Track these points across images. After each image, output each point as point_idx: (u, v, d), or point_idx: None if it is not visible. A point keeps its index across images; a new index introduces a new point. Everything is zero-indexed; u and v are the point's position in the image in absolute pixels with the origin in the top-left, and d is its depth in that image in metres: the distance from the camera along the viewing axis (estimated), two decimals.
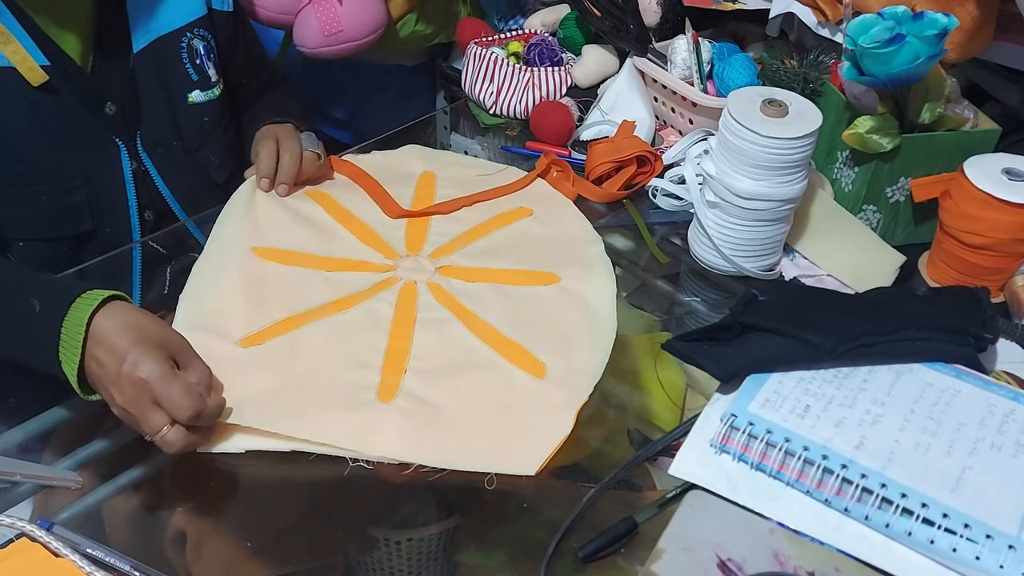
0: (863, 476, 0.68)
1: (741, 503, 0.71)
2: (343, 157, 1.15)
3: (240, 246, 0.97)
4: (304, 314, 0.90)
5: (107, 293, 0.74)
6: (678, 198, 1.09)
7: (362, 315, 0.90)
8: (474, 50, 1.30)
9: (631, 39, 1.22)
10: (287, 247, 0.98)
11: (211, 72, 1.08)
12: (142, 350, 0.71)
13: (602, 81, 1.28)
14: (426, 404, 0.80)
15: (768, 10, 1.16)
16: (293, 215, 1.03)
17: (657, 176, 1.12)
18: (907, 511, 0.66)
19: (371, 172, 1.11)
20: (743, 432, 0.73)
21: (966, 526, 0.65)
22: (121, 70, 1.01)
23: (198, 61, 1.06)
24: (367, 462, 0.76)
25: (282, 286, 0.93)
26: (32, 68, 0.91)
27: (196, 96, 1.07)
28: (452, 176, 1.12)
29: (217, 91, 1.09)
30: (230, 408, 0.77)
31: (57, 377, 0.73)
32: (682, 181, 1.08)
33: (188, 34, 1.05)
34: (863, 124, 0.96)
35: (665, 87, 1.18)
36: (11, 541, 0.66)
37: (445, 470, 0.75)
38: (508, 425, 0.79)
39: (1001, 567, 0.63)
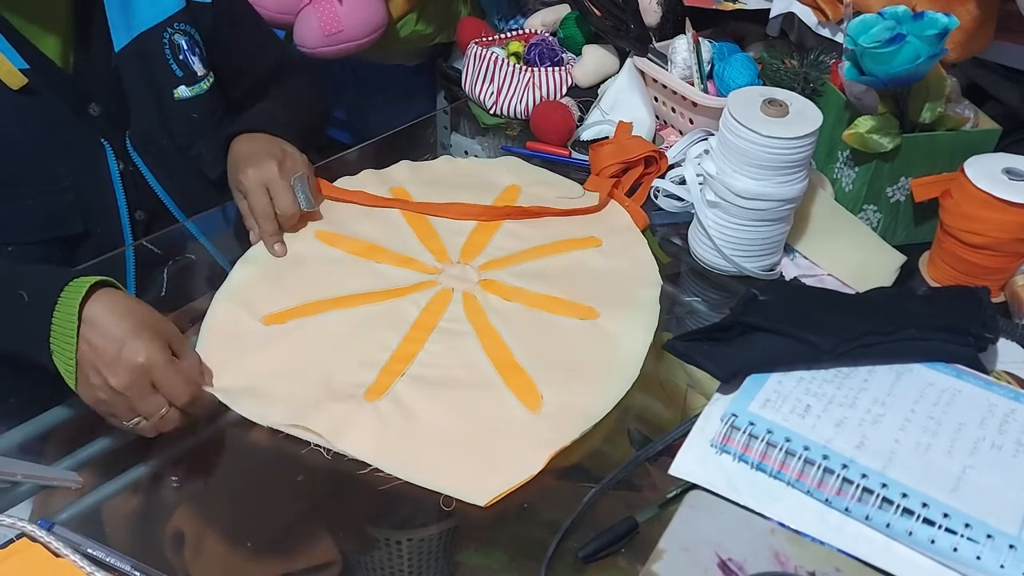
0: (864, 476, 0.68)
1: (741, 503, 0.71)
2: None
3: (305, 228, 1.02)
4: (334, 300, 0.92)
5: (95, 279, 0.75)
6: (679, 199, 1.09)
7: (387, 312, 0.91)
8: (474, 50, 1.30)
9: (631, 39, 1.22)
10: (347, 233, 1.01)
11: (196, 67, 1.07)
12: (144, 336, 0.73)
13: (602, 81, 1.28)
14: (407, 412, 0.80)
15: (768, 10, 1.16)
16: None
17: (658, 177, 1.12)
18: (908, 511, 0.66)
19: (459, 175, 1.13)
20: (743, 432, 0.73)
21: (967, 526, 0.65)
22: (104, 70, 1.00)
23: (181, 56, 1.05)
24: (326, 451, 0.77)
25: (326, 270, 0.96)
26: (11, 72, 0.90)
27: (182, 92, 1.06)
28: (535, 193, 1.11)
29: (205, 85, 1.08)
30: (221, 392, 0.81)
31: (48, 369, 0.74)
32: (683, 182, 1.08)
33: (169, 29, 1.04)
34: (863, 124, 0.96)
35: (665, 87, 1.18)
36: (11, 541, 0.66)
37: (399, 479, 0.75)
38: (478, 451, 0.77)
39: (1002, 567, 0.63)
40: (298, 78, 1.24)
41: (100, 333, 0.73)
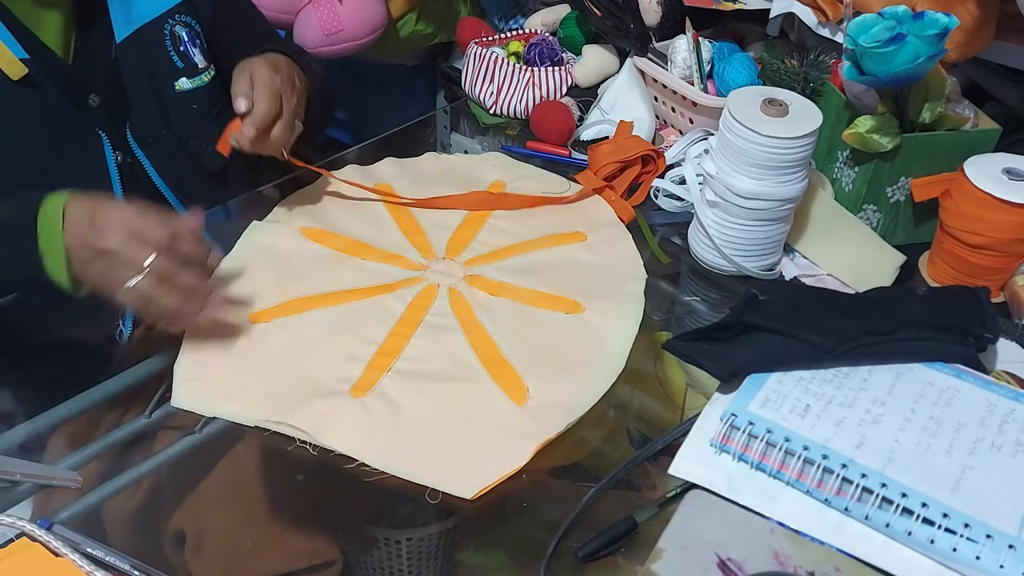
0: (863, 476, 0.68)
1: (741, 503, 0.71)
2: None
3: (291, 223, 1.02)
4: (320, 296, 0.92)
5: (69, 192, 0.82)
6: (679, 199, 1.09)
7: (373, 307, 0.91)
8: (474, 50, 1.30)
9: (631, 39, 1.22)
10: (333, 229, 1.02)
11: (197, 58, 1.07)
12: (112, 203, 0.80)
13: (602, 81, 1.28)
14: (392, 406, 0.80)
15: (768, 10, 1.16)
16: (351, 200, 1.07)
17: (658, 176, 1.12)
18: (907, 511, 0.66)
19: (444, 171, 1.13)
20: (743, 432, 0.73)
21: (966, 526, 0.65)
22: (105, 61, 1.00)
23: (182, 48, 1.05)
24: (312, 447, 0.77)
25: (312, 266, 0.97)
26: (11, 62, 0.90)
27: (183, 84, 1.06)
28: (520, 188, 1.11)
29: (206, 77, 1.08)
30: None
31: (44, 278, 0.80)
32: (683, 182, 1.08)
33: (170, 21, 1.04)
34: (863, 124, 0.96)
35: (665, 87, 1.18)
36: (11, 541, 0.66)
37: (386, 472, 0.75)
38: (464, 443, 0.77)
39: (1001, 567, 0.63)
40: (305, 54, 1.23)
41: (78, 217, 0.79)
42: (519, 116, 1.27)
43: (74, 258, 0.79)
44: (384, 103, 1.70)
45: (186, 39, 1.05)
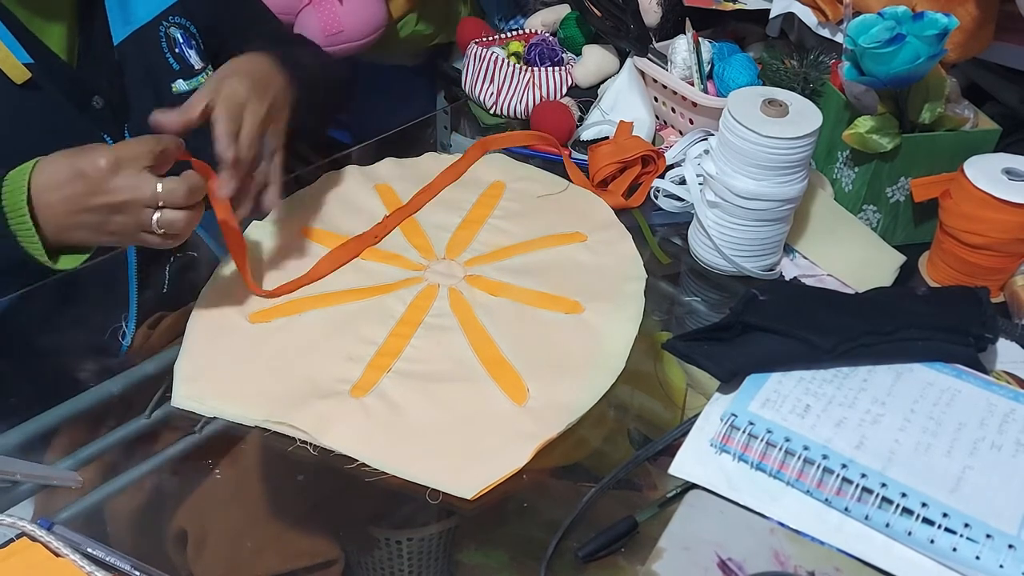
0: (863, 476, 0.68)
1: (741, 503, 0.71)
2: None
3: (291, 224, 1.02)
4: (320, 297, 0.93)
5: (29, 165, 0.78)
6: (679, 199, 1.09)
7: (373, 307, 0.91)
8: (474, 50, 1.30)
9: (631, 39, 1.22)
10: (333, 229, 1.02)
11: (193, 60, 1.07)
12: (75, 159, 0.77)
13: (602, 81, 1.28)
14: (392, 406, 0.80)
15: (768, 10, 1.16)
16: (351, 200, 1.07)
17: (658, 177, 1.12)
18: (907, 511, 0.66)
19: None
20: (743, 432, 0.73)
21: (966, 526, 0.65)
22: (107, 63, 1.00)
23: (177, 50, 1.05)
24: (312, 447, 0.77)
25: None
26: (15, 66, 0.90)
27: (180, 85, 1.06)
28: (520, 188, 1.11)
29: (203, 78, 1.08)
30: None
31: (25, 261, 0.78)
32: (683, 182, 1.08)
33: (164, 23, 1.04)
34: (863, 124, 0.96)
35: (665, 87, 1.18)
36: (11, 541, 0.66)
37: (386, 473, 0.75)
38: (464, 444, 0.77)
39: (1001, 567, 0.63)
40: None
41: (51, 191, 0.76)
42: (519, 116, 1.27)
43: (82, 225, 0.77)
44: (384, 103, 1.70)
45: (181, 41, 1.06)
